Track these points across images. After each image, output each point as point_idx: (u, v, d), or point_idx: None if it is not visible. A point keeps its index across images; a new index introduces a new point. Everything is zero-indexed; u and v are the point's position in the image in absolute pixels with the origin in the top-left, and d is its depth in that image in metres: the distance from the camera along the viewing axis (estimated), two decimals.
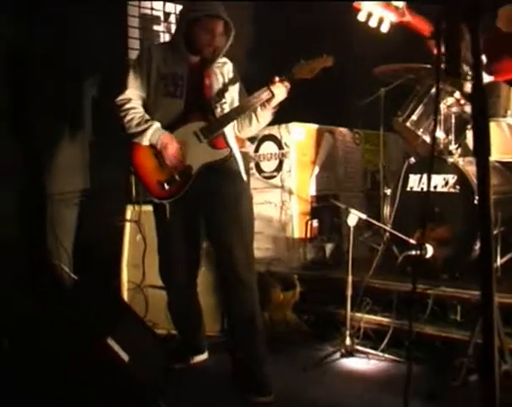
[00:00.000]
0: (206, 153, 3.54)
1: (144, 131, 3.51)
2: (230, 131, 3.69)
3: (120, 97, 3.62)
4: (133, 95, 3.61)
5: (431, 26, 2.27)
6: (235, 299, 3.57)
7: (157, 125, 3.52)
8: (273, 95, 3.50)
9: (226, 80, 3.73)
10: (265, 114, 3.65)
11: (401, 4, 2.23)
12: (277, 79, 3.50)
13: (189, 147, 3.54)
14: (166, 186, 3.54)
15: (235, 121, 3.68)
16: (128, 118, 3.55)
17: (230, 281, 3.55)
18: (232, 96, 3.73)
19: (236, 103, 3.70)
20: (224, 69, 3.76)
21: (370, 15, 2.23)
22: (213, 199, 3.54)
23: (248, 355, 3.53)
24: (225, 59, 3.77)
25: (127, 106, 3.58)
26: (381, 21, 2.23)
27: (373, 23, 2.23)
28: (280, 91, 3.50)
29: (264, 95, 3.51)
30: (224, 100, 3.67)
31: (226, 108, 3.65)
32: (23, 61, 4.60)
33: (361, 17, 2.23)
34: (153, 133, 3.51)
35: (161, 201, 3.60)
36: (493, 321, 1.60)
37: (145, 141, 3.52)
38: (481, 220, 1.59)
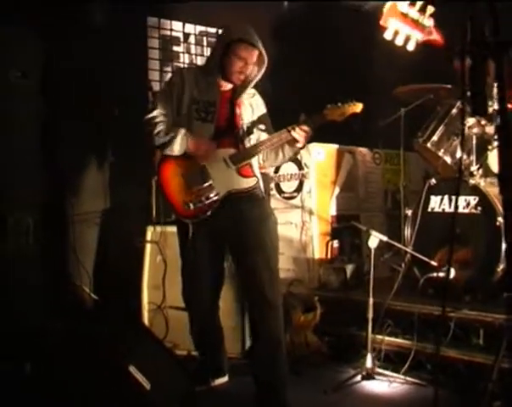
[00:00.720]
0: (234, 179, 3.58)
1: (173, 137, 3.52)
2: (255, 160, 3.73)
3: (149, 116, 3.64)
4: (161, 114, 3.64)
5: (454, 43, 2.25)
6: (262, 321, 3.55)
7: (183, 131, 3.54)
8: (295, 140, 3.54)
9: (254, 112, 3.78)
10: (292, 151, 3.70)
11: (429, 23, 2.21)
12: (301, 120, 3.56)
13: (217, 172, 3.56)
14: (191, 207, 3.55)
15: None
16: (156, 130, 3.56)
17: (258, 304, 3.54)
18: (259, 127, 3.76)
19: (263, 135, 3.73)
20: (253, 101, 3.81)
21: (396, 33, 2.21)
22: (239, 223, 3.56)
23: (273, 377, 3.52)
24: (253, 91, 3.82)
25: (155, 121, 3.60)
26: (407, 40, 2.21)
27: (399, 41, 2.22)
28: (300, 136, 3.52)
29: (284, 136, 3.55)
30: (252, 130, 3.71)
31: (253, 139, 3.69)
32: (51, 87, 4.64)
33: (388, 35, 2.21)
34: (183, 137, 3.53)
35: (185, 220, 3.62)
36: None
37: (176, 147, 3.54)
38: (506, 242, 1.58)
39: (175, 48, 5.99)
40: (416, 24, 2.21)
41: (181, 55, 6.02)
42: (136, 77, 5.56)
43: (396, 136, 5.26)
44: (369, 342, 4.04)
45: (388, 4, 2.23)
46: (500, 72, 1.47)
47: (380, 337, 4.17)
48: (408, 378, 3.92)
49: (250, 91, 3.78)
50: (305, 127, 3.51)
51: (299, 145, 3.59)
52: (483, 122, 4.30)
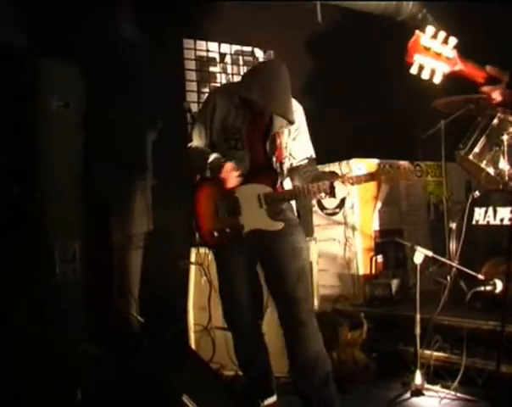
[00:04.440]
0: (262, 220, 3.47)
1: (206, 160, 3.51)
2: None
3: (188, 145, 3.68)
4: (199, 145, 3.66)
5: (483, 72, 2.26)
6: (300, 343, 3.51)
7: (215, 154, 3.50)
8: (332, 193, 3.40)
9: (293, 132, 3.60)
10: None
11: (452, 54, 2.22)
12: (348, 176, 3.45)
13: (248, 208, 3.48)
14: (216, 234, 3.52)
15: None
16: (194, 157, 3.64)
17: (293, 327, 3.51)
18: (299, 147, 3.64)
19: (303, 155, 3.63)
20: (295, 117, 3.56)
21: (421, 68, 2.22)
22: (266, 245, 3.51)
23: (319, 397, 3.50)
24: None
25: (195, 150, 3.65)
26: (433, 73, 2.22)
27: (425, 75, 2.23)
28: (341, 190, 3.40)
29: (325, 187, 3.39)
30: (291, 152, 3.61)
31: (294, 161, 3.61)
32: (92, 114, 4.73)
33: (413, 70, 2.23)
34: (212, 161, 3.49)
35: (206, 246, 3.70)
36: None
37: (207, 172, 3.53)
38: None
39: (212, 69, 6.05)
40: (440, 56, 2.22)
41: (218, 75, 6.07)
42: (175, 99, 5.62)
43: (437, 147, 5.24)
44: (417, 358, 4.01)
45: (411, 40, 2.24)
46: None
47: (428, 352, 4.14)
48: (458, 394, 3.88)
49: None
50: (346, 184, 3.39)
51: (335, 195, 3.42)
52: None
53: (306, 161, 3.65)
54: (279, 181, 3.52)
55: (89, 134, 4.66)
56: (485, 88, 2.42)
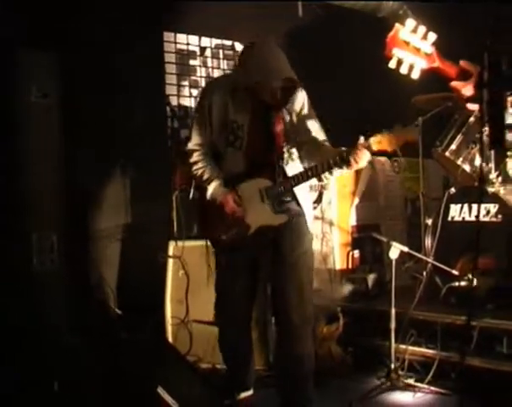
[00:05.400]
0: (266, 215, 3.42)
1: (207, 188, 3.48)
2: (304, 190, 3.57)
3: (187, 148, 3.60)
4: (196, 145, 3.57)
5: (457, 68, 2.28)
6: (293, 343, 3.50)
7: (214, 184, 3.45)
8: (351, 165, 3.19)
9: (295, 118, 3.47)
10: (340, 172, 3.31)
11: (431, 50, 2.23)
12: (361, 143, 3.20)
13: (251, 205, 3.43)
14: (223, 237, 3.52)
15: (304, 160, 3.47)
16: (194, 173, 3.57)
17: (284, 327, 3.53)
18: (302, 134, 3.47)
19: (307, 141, 3.47)
20: (295, 105, 3.48)
21: (400, 62, 2.23)
22: (271, 241, 3.48)
23: (298, 394, 3.53)
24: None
25: (192, 160, 3.56)
26: (411, 68, 2.24)
27: (404, 70, 2.24)
28: (361, 161, 3.18)
29: (332, 162, 3.21)
30: (292, 145, 3.49)
31: (295, 152, 3.49)
32: (70, 106, 4.71)
33: (392, 64, 2.24)
34: (212, 192, 3.46)
35: (216, 249, 3.65)
36: None
37: (208, 194, 3.48)
38: None
39: (192, 62, 6.04)
40: (418, 51, 2.23)
41: (198, 69, 6.07)
42: (154, 92, 5.62)
43: (415, 144, 5.28)
44: (392, 353, 4.05)
45: (390, 33, 2.25)
46: None
47: (403, 346, 4.17)
48: (432, 388, 3.93)
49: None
50: (362, 150, 3.17)
51: (354, 168, 3.21)
52: None
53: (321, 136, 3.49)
54: (279, 174, 3.42)
55: (68, 126, 4.64)
56: (454, 83, 2.43)
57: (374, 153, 3.24)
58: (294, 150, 3.49)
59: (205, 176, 3.49)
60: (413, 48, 2.24)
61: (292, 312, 3.44)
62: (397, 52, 2.23)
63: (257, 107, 3.45)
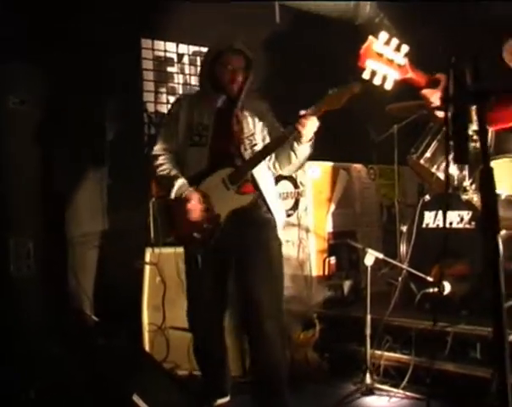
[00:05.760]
0: (233, 199, 3.54)
1: (169, 191, 3.57)
2: (262, 173, 3.67)
3: (151, 153, 3.73)
4: (162, 150, 3.71)
5: (427, 77, 2.32)
6: (259, 347, 3.56)
7: (180, 182, 3.57)
8: (300, 133, 3.39)
9: (256, 120, 3.70)
10: (302, 148, 3.50)
11: (404, 62, 2.27)
12: (302, 113, 3.38)
13: (217, 196, 3.54)
14: (196, 235, 3.56)
15: (274, 160, 3.66)
16: (157, 175, 3.67)
17: (255, 329, 3.55)
18: (264, 135, 3.72)
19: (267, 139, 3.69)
20: (253, 110, 3.73)
21: (373, 74, 2.27)
22: (241, 247, 3.55)
23: (273, 402, 3.55)
24: (254, 97, 3.76)
25: (155, 163, 3.68)
26: (384, 79, 2.27)
27: (377, 81, 2.27)
28: (307, 127, 3.37)
29: (287, 133, 3.44)
30: (254, 142, 3.65)
31: (257, 148, 3.63)
32: (48, 113, 4.70)
33: (365, 75, 2.27)
34: (177, 189, 3.55)
35: (192, 249, 3.65)
36: (506, 358, 1.64)
37: (172, 195, 3.57)
38: (489, 255, 1.64)
39: (169, 69, 6.04)
40: (392, 63, 2.27)
41: (176, 76, 6.07)
42: (131, 99, 5.62)
43: (391, 151, 5.33)
44: (368, 359, 4.09)
45: (364, 45, 2.29)
46: (482, 119, 1.53)
47: (379, 352, 4.21)
48: (407, 393, 3.96)
49: (249, 101, 3.72)
50: (306, 117, 3.36)
51: (306, 136, 3.39)
52: (475, 137, 4.35)
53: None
54: (241, 160, 3.59)
55: (45, 132, 4.64)
56: (424, 91, 2.47)
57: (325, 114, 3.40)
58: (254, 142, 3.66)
59: (172, 174, 3.61)
60: (386, 60, 2.27)
61: (265, 315, 3.48)
62: (370, 64, 2.26)
63: (221, 107, 3.67)
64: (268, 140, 3.68)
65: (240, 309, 3.80)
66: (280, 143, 3.48)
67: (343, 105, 3.36)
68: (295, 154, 3.52)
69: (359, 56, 2.28)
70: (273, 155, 3.63)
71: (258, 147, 3.63)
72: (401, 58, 2.27)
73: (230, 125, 3.65)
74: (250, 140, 3.64)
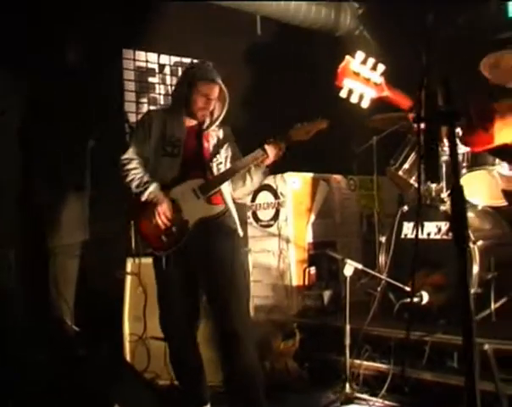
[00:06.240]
0: (202, 208, 3.66)
1: (141, 192, 3.64)
2: (228, 189, 3.82)
3: (123, 157, 3.77)
4: (134, 155, 3.77)
5: (408, 99, 2.36)
6: (231, 355, 3.61)
7: (153, 186, 3.65)
8: (267, 155, 3.64)
9: (222, 143, 3.88)
10: (258, 173, 3.77)
11: (380, 80, 2.32)
12: (272, 140, 3.64)
13: (187, 203, 3.66)
14: (164, 238, 3.65)
15: (230, 182, 3.81)
16: (128, 179, 3.70)
17: (226, 337, 3.62)
18: (227, 156, 3.87)
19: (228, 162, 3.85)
20: (219, 132, 3.91)
21: (350, 92, 2.32)
22: (208, 255, 3.63)
23: None
24: (220, 123, 3.91)
25: (128, 167, 3.73)
26: (361, 97, 2.32)
27: (354, 99, 2.32)
28: (273, 151, 3.63)
29: (259, 155, 3.65)
30: (220, 160, 3.81)
31: (222, 168, 3.79)
32: (28, 123, 4.71)
33: (343, 94, 2.32)
34: (149, 194, 3.63)
35: (159, 253, 3.70)
36: (474, 365, 1.68)
37: (144, 198, 3.64)
38: (459, 265, 1.68)
39: (151, 79, 6.07)
40: (368, 82, 2.31)
41: (157, 86, 6.10)
42: (113, 109, 5.64)
43: (371, 162, 5.40)
44: (347, 368, 4.12)
45: (342, 65, 2.33)
46: (453, 139, 1.59)
47: (358, 361, 4.25)
48: (386, 402, 4.00)
49: (216, 126, 3.89)
50: (273, 146, 3.62)
51: (269, 161, 3.67)
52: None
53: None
54: (210, 174, 3.74)
55: (25, 144, 4.64)
56: (411, 115, 2.52)
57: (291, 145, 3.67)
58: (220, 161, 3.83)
59: (145, 178, 3.68)
60: (363, 79, 2.31)
61: (233, 323, 3.56)
62: (347, 83, 2.31)
63: (191, 123, 3.83)
64: (229, 161, 3.85)
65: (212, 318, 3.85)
66: (248, 163, 3.68)
67: (311, 138, 3.66)
68: (251, 178, 3.77)
69: (337, 75, 2.32)
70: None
71: (222, 166, 3.80)
72: (377, 77, 2.32)
73: (200, 143, 3.81)
74: (217, 158, 3.81)
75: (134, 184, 3.68)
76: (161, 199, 3.63)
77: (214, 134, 3.89)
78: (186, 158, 3.73)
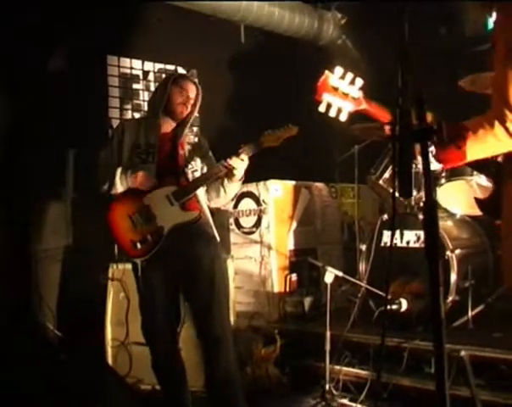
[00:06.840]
0: (177, 214, 3.67)
1: (112, 180, 3.68)
2: (203, 194, 3.88)
3: (99, 161, 3.83)
4: (109, 159, 3.80)
5: (386, 112, 2.42)
6: (211, 360, 3.66)
7: (120, 169, 3.69)
8: (230, 168, 3.66)
9: (196, 151, 3.95)
10: (232, 186, 3.82)
11: (358, 94, 2.38)
12: (238, 151, 3.65)
13: (161, 209, 3.66)
14: (139, 246, 3.65)
15: (204, 192, 3.88)
16: (102, 174, 3.76)
17: (206, 342, 3.67)
18: (202, 163, 3.93)
19: (205, 170, 3.89)
20: (194, 141, 4.01)
21: (329, 106, 2.37)
22: (187, 260, 3.67)
23: None
24: (196, 132, 3.96)
25: (99, 170, 3.80)
26: (339, 111, 2.37)
27: (332, 113, 2.37)
28: (237, 164, 3.64)
29: (221, 168, 3.67)
30: (195, 167, 3.86)
31: (197, 175, 3.83)
32: (9, 126, 4.72)
33: (321, 108, 2.37)
34: (121, 176, 3.67)
35: (134, 259, 3.73)
36: (444, 371, 1.74)
37: (117, 186, 3.68)
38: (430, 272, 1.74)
39: (135, 86, 6.10)
40: (347, 96, 2.37)
41: (141, 92, 6.13)
42: (97, 115, 5.66)
43: (353, 170, 5.46)
44: (327, 374, 4.17)
45: (321, 79, 2.38)
46: (425, 155, 1.65)
47: (338, 367, 4.31)
48: None
49: (192, 135, 4.01)
50: (241, 156, 3.63)
51: (237, 175, 3.70)
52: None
53: None
54: (184, 181, 3.78)
55: (8, 147, 4.65)
56: (387, 127, 2.58)
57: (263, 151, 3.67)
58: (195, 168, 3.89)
59: (108, 178, 3.70)
60: (341, 93, 2.36)
61: (213, 328, 3.63)
62: (326, 97, 2.35)
63: (166, 129, 3.88)
64: (205, 169, 3.90)
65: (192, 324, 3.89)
66: (221, 171, 3.69)
67: (281, 144, 3.67)
68: (224, 190, 3.84)
69: (316, 89, 2.37)
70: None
71: (197, 173, 3.85)
72: (356, 91, 2.37)
73: (175, 147, 3.85)
74: (192, 165, 3.86)
75: (107, 176, 3.72)
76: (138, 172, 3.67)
77: (190, 142, 3.97)
78: (161, 164, 3.76)
